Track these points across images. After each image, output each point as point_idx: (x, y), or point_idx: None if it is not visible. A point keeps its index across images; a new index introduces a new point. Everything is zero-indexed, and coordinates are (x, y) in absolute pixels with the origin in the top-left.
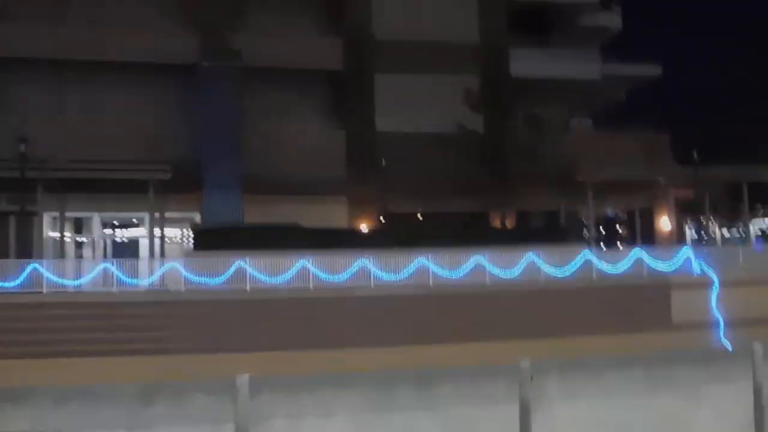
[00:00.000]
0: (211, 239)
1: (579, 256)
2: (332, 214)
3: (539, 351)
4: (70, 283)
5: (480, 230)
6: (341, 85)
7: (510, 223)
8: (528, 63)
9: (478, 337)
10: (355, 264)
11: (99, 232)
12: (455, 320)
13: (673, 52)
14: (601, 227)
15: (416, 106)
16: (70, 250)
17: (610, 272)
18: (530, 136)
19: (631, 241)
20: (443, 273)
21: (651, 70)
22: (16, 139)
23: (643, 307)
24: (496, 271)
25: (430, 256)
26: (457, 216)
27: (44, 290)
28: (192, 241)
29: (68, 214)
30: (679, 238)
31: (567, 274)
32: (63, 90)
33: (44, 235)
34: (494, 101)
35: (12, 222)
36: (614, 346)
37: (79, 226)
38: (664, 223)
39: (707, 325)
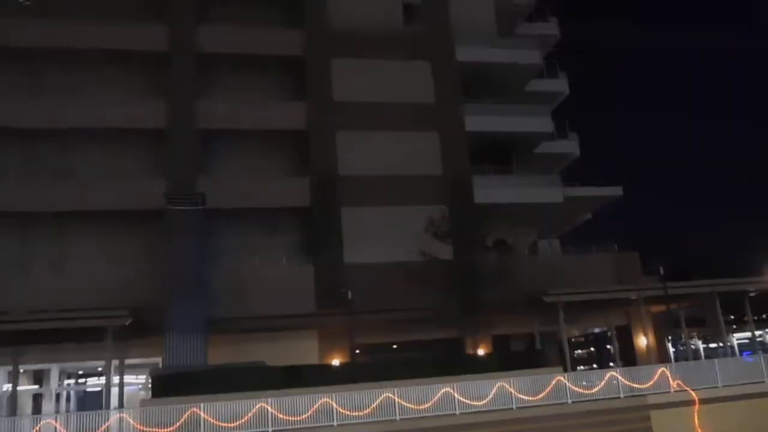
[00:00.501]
0: (170, 384)
1: (552, 379)
2: (303, 350)
3: None
4: None
5: (455, 357)
6: (308, 222)
7: (485, 349)
8: (492, 190)
9: None
10: (316, 403)
11: (56, 384)
12: None
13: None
14: (592, 347)
15: (384, 237)
16: (27, 404)
17: (584, 394)
18: (499, 261)
19: (612, 360)
20: (410, 406)
21: (612, 191)
22: None
23: (622, 430)
24: (467, 401)
25: (396, 390)
26: (432, 344)
27: None
28: (150, 388)
29: (25, 367)
30: (659, 354)
31: (539, 398)
32: (29, 242)
33: None
34: (461, 228)
35: None
36: None
37: (38, 379)
38: (642, 341)
39: None
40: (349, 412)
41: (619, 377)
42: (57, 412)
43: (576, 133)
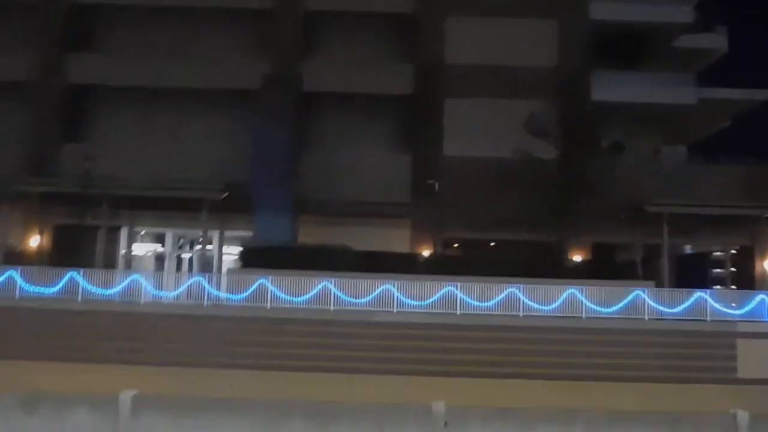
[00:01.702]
0: (256, 257)
1: (631, 293)
2: (395, 239)
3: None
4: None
5: (543, 260)
6: (410, 111)
7: (583, 256)
8: (613, 87)
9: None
10: (378, 288)
11: (170, 248)
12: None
13: None
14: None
15: (487, 132)
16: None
17: (667, 313)
18: (606, 165)
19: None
20: (468, 300)
21: (757, 95)
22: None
23: (699, 356)
24: (533, 304)
25: (458, 284)
26: (529, 245)
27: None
28: (241, 259)
29: (145, 229)
30: None
31: (614, 311)
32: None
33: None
34: (572, 127)
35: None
36: (651, 399)
37: (161, 241)
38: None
39: None
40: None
41: (708, 299)
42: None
43: (726, 26)
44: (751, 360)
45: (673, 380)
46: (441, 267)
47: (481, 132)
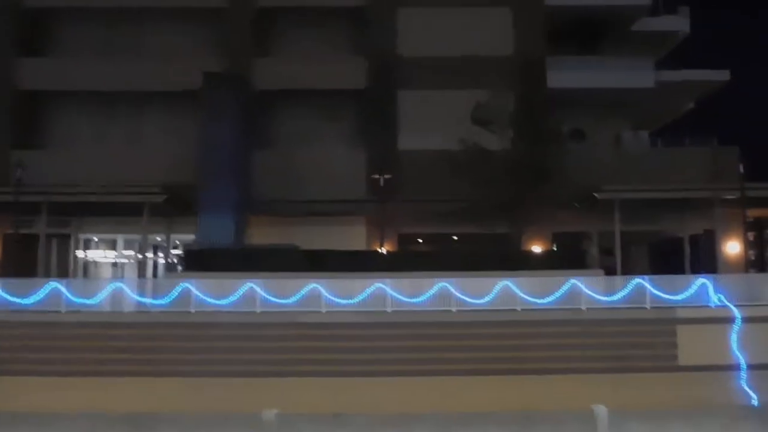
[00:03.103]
0: (198, 260)
1: (566, 282)
2: (351, 237)
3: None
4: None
5: (486, 252)
6: (364, 104)
7: (542, 246)
8: (569, 73)
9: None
10: (304, 288)
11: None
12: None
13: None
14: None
15: (443, 124)
16: (105, 270)
17: (606, 302)
18: (567, 153)
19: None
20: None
21: (716, 75)
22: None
23: (639, 344)
24: (465, 298)
25: (389, 281)
26: (491, 238)
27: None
28: (181, 263)
29: (96, 236)
30: (752, 263)
31: (550, 302)
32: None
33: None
34: (528, 115)
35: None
36: (589, 391)
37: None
38: (730, 248)
39: (725, 369)
40: (337, 299)
41: (648, 286)
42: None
43: (687, 6)
44: (691, 346)
45: (613, 370)
46: (392, 263)
47: (436, 124)
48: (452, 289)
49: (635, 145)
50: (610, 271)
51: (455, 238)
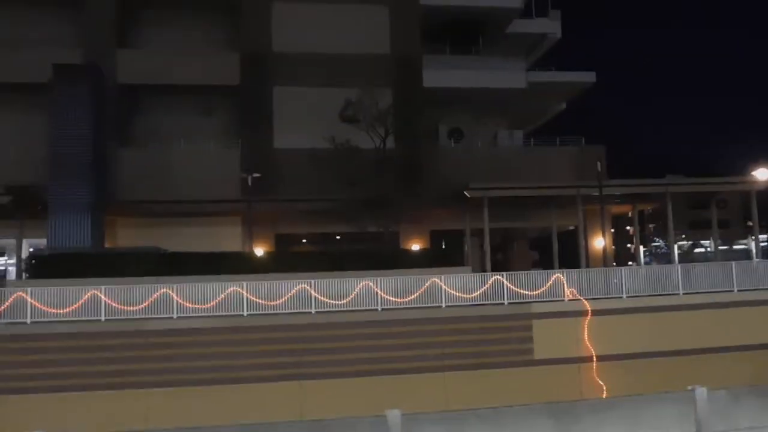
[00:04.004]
0: (47, 266)
1: (426, 281)
2: (225, 237)
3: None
4: None
5: (356, 250)
6: (238, 101)
7: (420, 244)
8: (444, 72)
9: None
10: (153, 294)
11: None
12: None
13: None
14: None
15: (318, 122)
16: None
17: (466, 299)
18: (442, 152)
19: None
20: (258, 301)
21: (583, 77)
22: None
23: (496, 340)
24: (323, 299)
25: (245, 284)
26: (372, 237)
27: None
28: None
29: None
30: (616, 258)
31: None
32: None
33: None
34: (404, 114)
35: None
36: (451, 388)
37: None
38: (597, 243)
39: (578, 361)
40: (190, 304)
41: (505, 282)
42: None
43: (559, 11)
44: (546, 340)
45: (472, 367)
46: (266, 265)
47: (311, 122)
48: (312, 291)
49: (510, 144)
50: (499, 267)
51: (338, 237)
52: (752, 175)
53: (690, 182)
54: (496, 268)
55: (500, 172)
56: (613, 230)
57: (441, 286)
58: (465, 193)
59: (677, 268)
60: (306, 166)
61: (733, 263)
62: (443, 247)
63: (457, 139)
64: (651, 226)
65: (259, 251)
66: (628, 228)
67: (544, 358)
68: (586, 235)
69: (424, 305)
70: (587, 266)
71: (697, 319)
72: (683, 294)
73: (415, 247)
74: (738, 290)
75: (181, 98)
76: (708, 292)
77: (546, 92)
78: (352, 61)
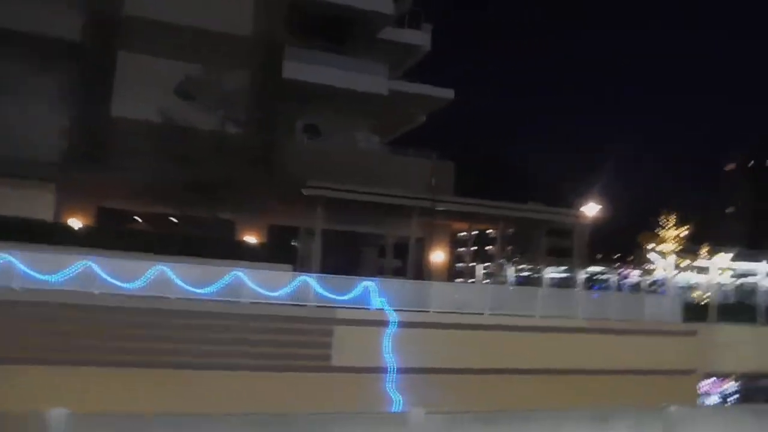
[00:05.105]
0: None
1: (229, 274)
2: (34, 204)
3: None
4: None
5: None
6: (77, 60)
7: (257, 238)
8: (306, 66)
9: None
10: None
11: None
12: None
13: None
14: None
15: (164, 95)
16: None
17: (270, 297)
18: (292, 146)
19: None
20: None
21: (442, 93)
22: None
23: (295, 342)
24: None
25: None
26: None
27: None
28: None
29: None
30: (455, 272)
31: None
32: None
33: None
34: (256, 102)
35: None
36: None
37: None
38: (437, 256)
39: (376, 371)
40: None
41: (313, 283)
42: None
43: (431, 24)
44: (346, 347)
45: (269, 368)
46: (85, 239)
47: (157, 94)
48: (99, 270)
49: (366, 148)
50: (341, 271)
51: (175, 220)
52: (581, 210)
53: (519, 208)
54: (338, 271)
55: (353, 175)
56: (471, 248)
57: (246, 281)
58: (302, 190)
59: (487, 289)
60: (144, 139)
61: (539, 289)
62: (279, 243)
63: (312, 135)
64: (510, 248)
65: (77, 224)
66: (489, 247)
67: (342, 365)
68: (428, 247)
69: (224, 299)
70: (429, 278)
71: (499, 340)
72: (488, 314)
73: (251, 239)
74: (540, 316)
75: (14, 49)
76: (511, 315)
77: (408, 102)
78: (209, 37)
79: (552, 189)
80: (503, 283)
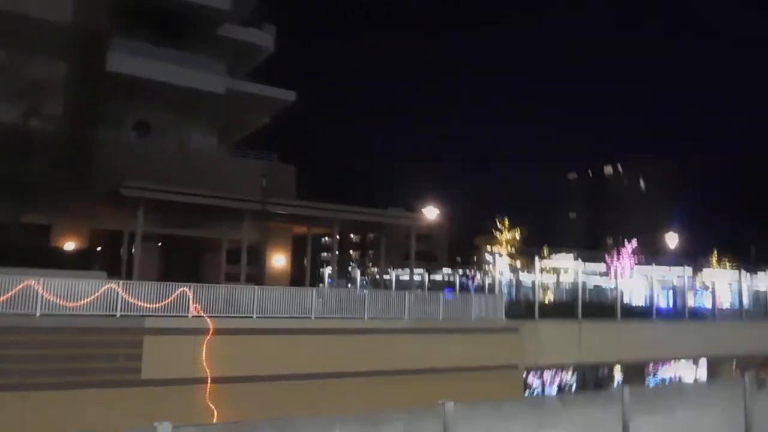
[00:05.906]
0: None
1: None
2: None
3: None
4: None
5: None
6: None
7: (79, 243)
8: (134, 59)
9: None
10: None
11: None
12: None
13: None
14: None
15: None
16: None
17: (70, 308)
18: (88, 142)
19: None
20: None
21: (283, 95)
22: None
23: (101, 355)
24: None
25: None
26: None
27: None
28: None
29: None
30: (297, 277)
31: None
32: None
33: None
34: (75, 96)
35: None
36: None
37: None
38: (277, 261)
39: (192, 382)
40: None
41: (120, 291)
42: None
43: (275, 26)
44: (158, 358)
45: (69, 386)
46: None
47: None
48: None
49: (203, 149)
50: (178, 278)
51: None
52: (421, 212)
53: (354, 211)
54: (173, 278)
55: (185, 176)
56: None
57: (38, 291)
58: (120, 191)
59: (312, 292)
60: None
61: (366, 292)
62: (98, 248)
63: (142, 134)
64: (370, 252)
65: None
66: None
67: (153, 378)
68: (267, 251)
69: (11, 312)
70: (266, 284)
71: (327, 344)
72: (315, 318)
73: (69, 245)
74: (368, 317)
75: None
76: (339, 318)
77: (247, 103)
78: (22, 23)
79: (402, 194)
80: (348, 286)
